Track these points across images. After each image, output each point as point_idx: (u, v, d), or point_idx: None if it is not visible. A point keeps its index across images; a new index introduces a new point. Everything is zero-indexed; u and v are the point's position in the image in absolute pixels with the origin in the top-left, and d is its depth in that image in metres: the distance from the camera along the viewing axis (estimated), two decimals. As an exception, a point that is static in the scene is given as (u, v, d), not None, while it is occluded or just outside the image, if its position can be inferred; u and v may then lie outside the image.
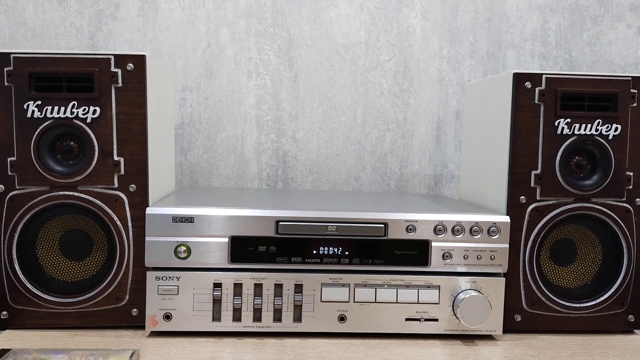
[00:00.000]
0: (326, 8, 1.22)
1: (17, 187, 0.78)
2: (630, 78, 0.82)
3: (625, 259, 0.84)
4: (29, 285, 0.79)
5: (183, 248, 0.78)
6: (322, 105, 1.24)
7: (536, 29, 1.25)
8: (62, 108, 0.77)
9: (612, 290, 0.84)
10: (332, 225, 0.79)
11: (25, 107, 0.77)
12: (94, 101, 0.77)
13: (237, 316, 0.79)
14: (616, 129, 0.82)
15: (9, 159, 0.77)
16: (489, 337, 0.82)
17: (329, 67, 1.23)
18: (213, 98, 1.22)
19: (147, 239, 0.78)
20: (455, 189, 1.26)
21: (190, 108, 1.22)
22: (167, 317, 0.78)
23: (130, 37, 1.19)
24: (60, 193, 0.78)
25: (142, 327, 0.79)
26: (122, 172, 0.79)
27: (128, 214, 0.79)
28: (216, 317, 0.79)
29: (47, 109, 0.77)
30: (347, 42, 1.23)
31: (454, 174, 1.26)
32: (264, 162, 1.24)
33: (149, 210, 0.78)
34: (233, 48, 1.21)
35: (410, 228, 0.80)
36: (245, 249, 0.79)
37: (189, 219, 0.78)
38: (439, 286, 0.81)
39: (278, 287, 0.79)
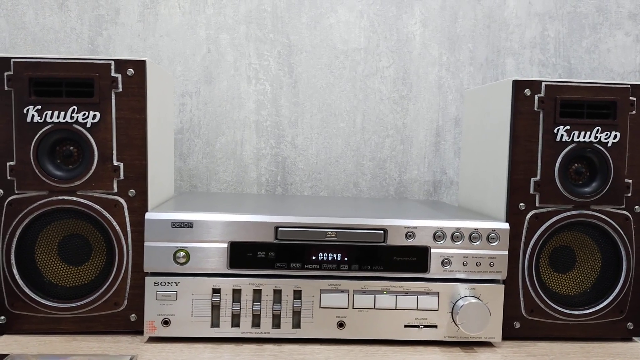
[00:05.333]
0: (326, 14, 1.22)
1: (16, 192, 0.78)
2: (629, 86, 0.82)
3: (624, 266, 0.84)
4: (27, 290, 0.78)
5: (182, 253, 0.77)
6: (322, 111, 1.24)
7: (535, 37, 1.25)
8: (62, 113, 0.77)
9: (611, 297, 0.84)
10: (331, 231, 0.79)
11: (25, 111, 0.77)
12: (94, 106, 0.77)
13: (235, 322, 0.79)
14: (615, 136, 0.82)
15: (8, 164, 0.77)
16: (488, 344, 0.82)
17: (329, 73, 1.23)
18: (212, 103, 1.22)
19: (146, 244, 0.78)
20: (454, 196, 1.26)
21: (189, 113, 1.22)
22: (166, 322, 0.78)
23: (130, 43, 1.19)
24: (60, 198, 0.78)
25: (141, 333, 0.79)
26: (122, 177, 0.79)
27: (127, 219, 0.79)
28: (215, 322, 0.79)
29: (46, 114, 0.77)
30: (347, 49, 1.23)
31: (453, 180, 1.26)
32: (263, 168, 1.24)
33: (148, 216, 0.78)
34: (233, 54, 1.21)
35: (409, 234, 0.80)
36: (244, 255, 0.78)
37: (188, 225, 0.78)
38: (438, 293, 0.81)
39: (277, 293, 0.79)
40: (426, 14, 1.24)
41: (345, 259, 0.80)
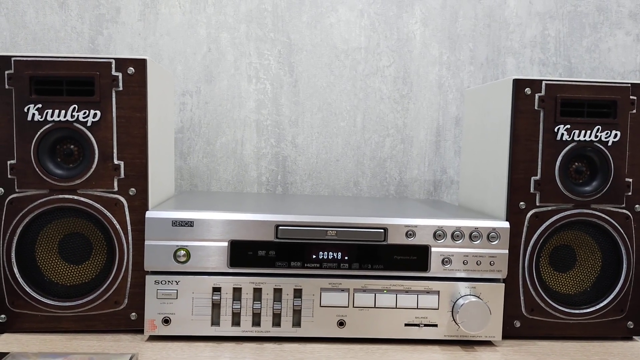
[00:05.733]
0: (326, 14, 1.22)
1: (17, 190, 0.78)
2: (629, 85, 0.82)
3: (625, 265, 0.84)
4: (27, 289, 0.78)
5: (182, 252, 0.78)
6: (322, 110, 1.24)
7: (535, 36, 1.25)
8: (63, 111, 0.77)
9: (612, 296, 0.84)
10: (331, 230, 0.79)
11: (25, 110, 0.77)
12: (95, 105, 0.77)
13: (236, 321, 0.79)
14: (615, 135, 0.82)
15: (8, 162, 0.77)
16: (488, 343, 0.82)
17: (329, 73, 1.23)
18: (213, 102, 1.22)
19: (146, 242, 0.78)
20: (455, 195, 1.26)
21: (190, 112, 1.22)
22: (166, 321, 0.78)
23: (130, 42, 1.19)
24: (60, 196, 0.78)
25: (141, 332, 0.79)
26: (122, 175, 0.79)
27: (127, 218, 0.79)
28: (215, 321, 0.79)
29: (47, 112, 0.77)
30: (347, 48, 1.23)
31: (453, 179, 1.26)
32: (264, 167, 1.24)
33: (148, 214, 0.78)
34: (233, 53, 1.21)
35: (409, 233, 0.80)
36: (244, 254, 0.78)
37: (189, 223, 0.78)
38: (439, 292, 0.81)
39: (277, 292, 0.79)
40: (426, 13, 1.24)
41: (346, 257, 0.80)
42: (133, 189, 0.79)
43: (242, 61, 1.22)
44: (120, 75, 0.78)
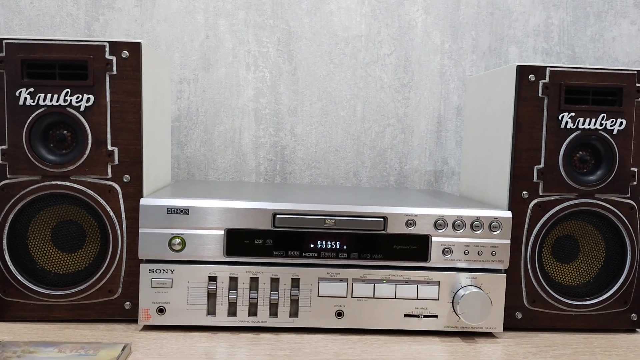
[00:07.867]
0: (326, 0, 1.20)
1: (9, 176, 0.76)
2: (635, 72, 0.81)
3: (629, 257, 0.82)
4: (19, 277, 0.77)
5: (177, 240, 0.76)
6: (322, 99, 1.22)
7: (539, 25, 1.23)
8: (55, 96, 0.75)
9: (615, 288, 0.83)
10: (330, 219, 0.77)
11: (17, 94, 0.75)
12: (88, 89, 0.76)
13: (232, 310, 0.77)
14: (621, 123, 0.81)
15: (0, 148, 0.76)
16: (489, 335, 0.81)
17: (329, 61, 1.21)
18: (211, 90, 1.20)
19: (140, 230, 0.76)
20: (456, 186, 1.25)
21: (187, 100, 1.20)
22: (161, 310, 0.76)
23: (127, 28, 1.17)
24: (53, 183, 0.76)
25: (135, 321, 0.78)
26: (116, 162, 0.77)
27: (121, 205, 0.77)
28: (211, 311, 0.77)
29: (39, 97, 0.75)
30: (348, 36, 1.21)
31: (455, 170, 1.25)
32: (262, 156, 1.22)
33: (142, 201, 0.76)
34: (231, 40, 1.19)
35: (410, 222, 0.78)
36: (241, 242, 0.77)
37: (184, 211, 0.76)
38: (439, 282, 0.79)
39: (274, 282, 0.78)
40: (428, 0, 1.22)
41: (344, 247, 0.78)
42: (127, 175, 0.77)
43: (240, 48, 1.20)
44: (114, 59, 0.76)
